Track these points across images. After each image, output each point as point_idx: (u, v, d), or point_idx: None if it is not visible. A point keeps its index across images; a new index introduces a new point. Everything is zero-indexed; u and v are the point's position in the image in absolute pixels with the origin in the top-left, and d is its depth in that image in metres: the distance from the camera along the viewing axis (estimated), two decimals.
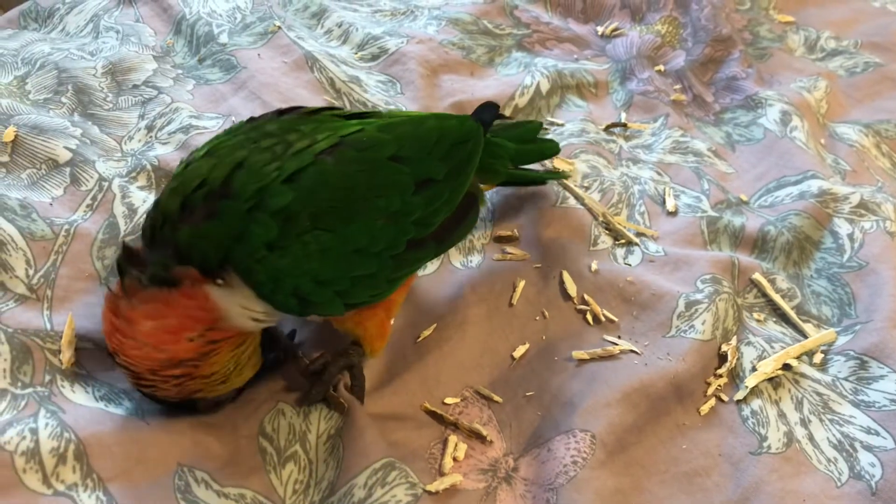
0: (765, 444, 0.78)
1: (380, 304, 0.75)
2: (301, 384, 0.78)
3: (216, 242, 0.65)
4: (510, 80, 1.12)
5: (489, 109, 0.86)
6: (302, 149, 0.68)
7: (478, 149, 0.80)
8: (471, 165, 0.79)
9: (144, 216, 0.69)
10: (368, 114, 0.78)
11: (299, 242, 0.66)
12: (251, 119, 0.75)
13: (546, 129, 1.08)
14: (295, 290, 0.67)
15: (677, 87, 1.21)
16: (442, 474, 0.73)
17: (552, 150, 0.97)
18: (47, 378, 0.72)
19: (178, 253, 0.65)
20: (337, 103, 1.04)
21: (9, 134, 0.87)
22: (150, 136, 0.95)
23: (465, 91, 1.09)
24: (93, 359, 0.75)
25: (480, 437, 0.76)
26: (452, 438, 0.76)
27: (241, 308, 0.67)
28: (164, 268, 0.65)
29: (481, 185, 0.85)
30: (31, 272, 0.78)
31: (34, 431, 0.67)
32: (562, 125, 1.09)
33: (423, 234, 0.74)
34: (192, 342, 0.66)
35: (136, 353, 0.66)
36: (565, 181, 0.98)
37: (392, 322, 0.79)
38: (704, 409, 0.80)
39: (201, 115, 0.98)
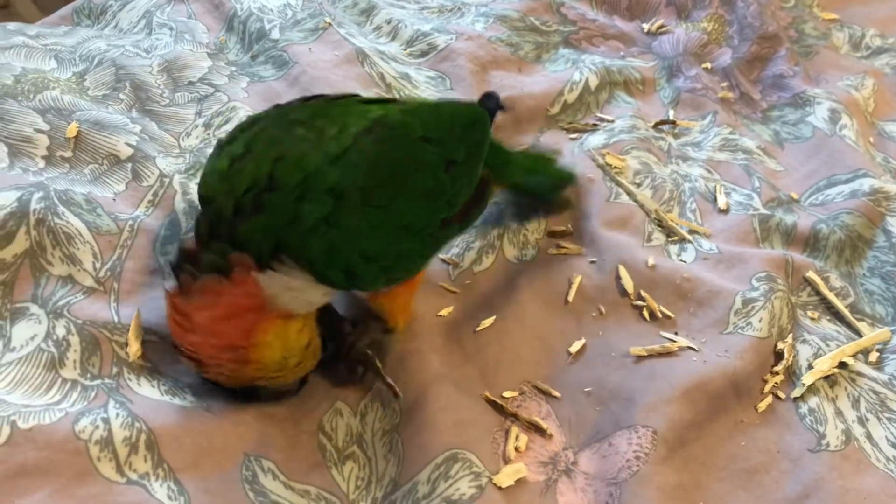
0: (823, 442, 0.78)
1: (409, 281, 0.77)
2: (358, 382, 0.79)
3: (267, 232, 0.67)
4: (558, 77, 1.13)
5: (490, 98, 0.88)
6: (337, 132, 0.70)
7: (486, 133, 0.83)
8: (483, 149, 0.81)
9: (196, 218, 0.71)
10: (386, 100, 0.80)
11: (352, 218, 0.68)
12: (277, 106, 0.77)
13: (596, 125, 1.09)
14: (346, 265, 0.69)
15: (724, 84, 1.21)
16: (507, 461, 0.74)
17: (567, 178, 0.97)
18: (115, 370, 0.73)
19: (234, 246, 0.67)
20: (388, 97, 1.05)
21: (72, 130, 0.89)
22: (208, 134, 0.96)
23: (514, 87, 1.09)
24: (158, 352, 0.76)
25: (540, 430, 0.77)
26: (514, 429, 0.76)
27: (288, 290, 0.69)
28: (221, 255, 0.67)
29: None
30: (98, 265, 0.79)
31: (106, 421, 0.68)
32: (612, 121, 1.09)
33: (450, 213, 0.77)
34: (241, 327, 0.68)
35: (195, 342, 0.69)
36: (618, 177, 0.98)
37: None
38: (762, 406, 0.80)
39: None
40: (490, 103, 0.87)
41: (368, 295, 0.78)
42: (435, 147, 0.74)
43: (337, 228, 0.67)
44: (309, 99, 0.78)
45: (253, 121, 0.76)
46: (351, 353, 0.78)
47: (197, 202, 0.86)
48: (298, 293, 0.69)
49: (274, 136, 0.71)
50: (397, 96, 1.05)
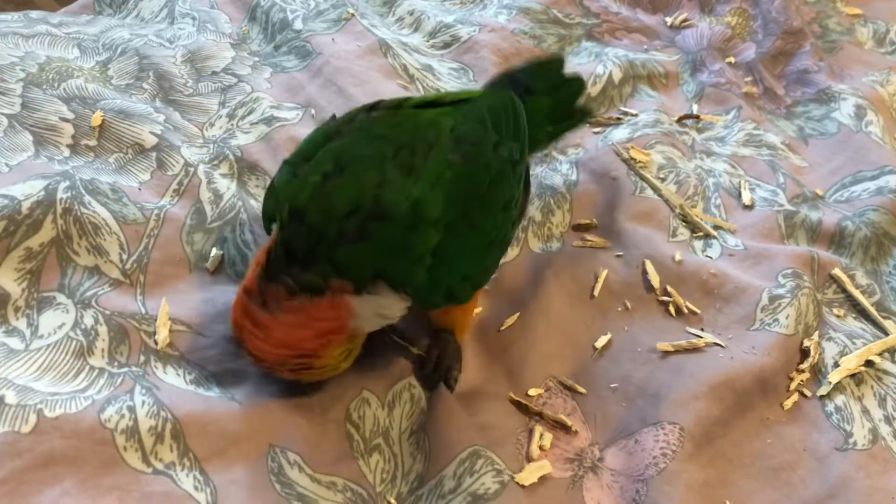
0: (850, 441, 0.77)
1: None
2: (384, 371, 0.79)
3: (372, 260, 0.67)
4: (582, 70, 1.12)
5: (516, 75, 0.89)
6: (426, 149, 0.70)
7: (524, 119, 0.82)
8: (526, 136, 0.81)
9: (286, 228, 0.68)
10: (434, 102, 0.79)
11: (455, 245, 0.69)
12: (349, 119, 0.76)
13: (620, 119, 1.08)
14: (448, 288, 0.71)
15: (748, 79, 1.20)
16: (530, 460, 0.74)
17: (580, 86, 0.94)
18: (142, 359, 0.73)
19: (334, 269, 0.67)
20: (410, 88, 1.05)
21: (96, 118, 0.88)
22: (232, 125, 0.95)
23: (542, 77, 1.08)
24: (186, 341, 0.76)
25: (565, 428, 0.77)
26: (538, 428, 0.76)
27: (377, 314, 0.70)
28: (322, 277, 0.66)
29: None
30: (124, 257, 0.79)
31: (132, 409, 0.68)
32: (636, 115, 1.08)
33: (515, 216, 0.77)
34: (319, 343, 0.69)
35: (264, 349, 0.69)
36: (643, 171, 0.98)
37: None
38: (788, 404, 0.80)
39: (280, 105, 0.99)
40: (519, 89, 0.86)
41: (438, 311, 0.78)
42: (504, 150, 0.75)
43: (443, 256, 0.69)
44: (371, 109, 0.77)
45: (326, 135, 0.75)
46: (440, 366, 0.79)
47: (222, 192, 0.87)
48: (385, 314, 0.70)
49: (363, 154, 0.70)
50: (420, 88, 1.05)
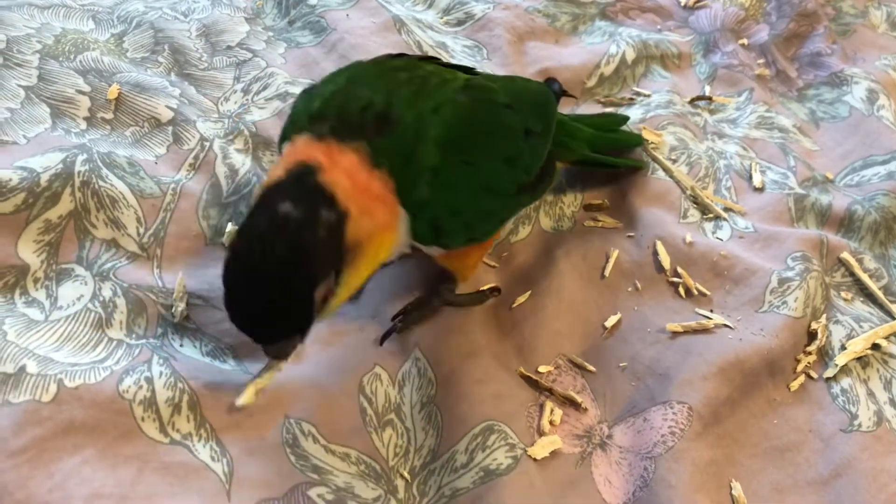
0: (855, 423, 0.78)
1: (483, 244, 0.79)
2: (394, 349, 0.79)
3: (389, 159, 0.66)
4: (595, 49, 1.12)
5: (554, 82, 0.92)
6: (438, 84, 0.72)
7: (555, 111, 0.85)
8: (552, 125, 0.82)
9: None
10: (464, 68, 0.81)
11: (449, 171, 0.69)
12: (366, 61, 0.77)
13: (633, 99, 1.08)
14: (434, 218, 0.70)
15: (761, 61, 1.19)
16: (541, 434, 0.75)
17: (635, 141, 0.99)
18: (160, 331, 0.74)
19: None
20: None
21: (113, 91, 0.89)
22: (247, 100, 0.96)
23: (551, 58, 1.09)
24: (202, 314, 0.77)
25: (575, 405, 0.78)
26: (549, 404, 0.77)
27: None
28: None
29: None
30: (141, 230, 0.79)
31: (150, 381, 0.69)
32: (648, 95, 1.08)
33: (525, 181, 0.78)
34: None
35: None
36: (654, 152, 0.98)
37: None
38: (794, 385, 0.81)
39: (295, 80, 0.99)
40: (554, 86, 0.90)
41: (441, 256, 0.77)
42: (517, 115, 0.76)
43: (436, 182, 0.68)
44: (394, 57, 0.79)
45: (349, 66, 0.76)
46: (406, 319, 0.79)
47: (238, 166, 0.87)
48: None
49: (377, 72, 0.72)
50: None
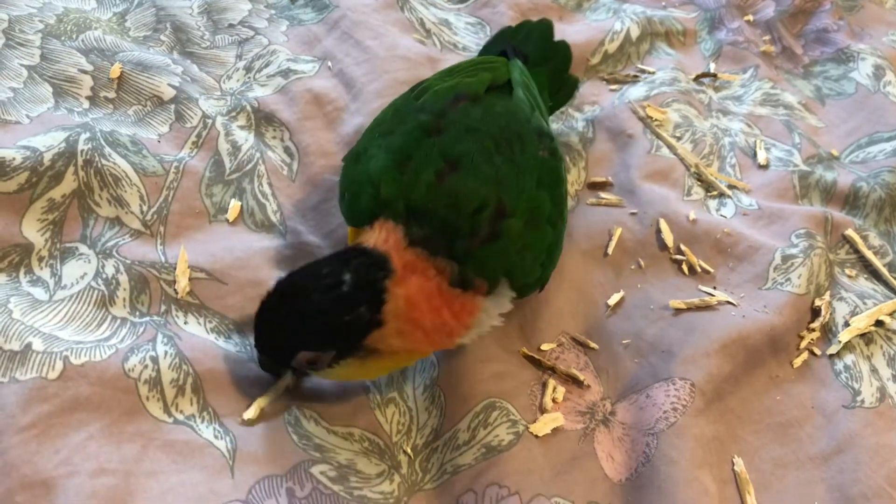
0: (858, 399, 0.79)
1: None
2: None
3: (502, 258, 0.68)
4: (599, 26, 1.11)
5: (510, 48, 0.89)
6: (520, 146, 0.72)
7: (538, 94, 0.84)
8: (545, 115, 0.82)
9: (412, 226, 0.67)
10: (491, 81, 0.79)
11: (557, 239, 0.75)
12: (439, 113, 0.73)
13: (637, 76, 1.08)
14: (545, 280, 0.77)
15: (766, 38, 1.19)
16: (543, 412, 0.75)
17: (568, 54, 0.96)
18: (163, 308, 0.74)
19: (473, 268, 0.67)
20: (426, 42, 1.04)
21: (115, 70, 0.89)
22: (249, 77, 0.96)
23: (555, 35, 1.08)
24: (206, 289, 0.77)
25: (577, 382, 0.78)
26: (551, 382, 0.77)
27: (497, 314, 0.72)
28: (475, 273, 0.67)
29: None
30: (144, 208, 0.80)
31: (154, 360, 0.69)
32: (653, 73, 1.08)
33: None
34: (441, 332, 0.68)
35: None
36: (660, 131, 0.98)
37: None
38: (797, 362, 0.81)
39: (297, 58, 0.99)
40: (508, 52, 0.88)
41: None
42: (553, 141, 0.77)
43: (554, 253, 0.74)
44: (419, 93, 0.77)
45: (423, 129, 0.71)
46: None
47: (240, 143, 0.87)
48: (502, 314, 0.72)
49: (470, 150, 0.69)
50: (437, 43, 1.05)
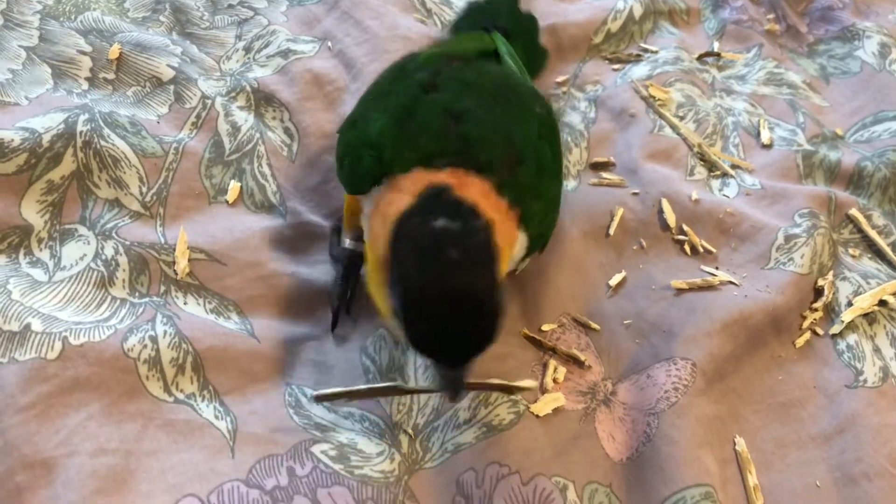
0: (860, 378, 0.78)
1: None
2: None
3: (520, 197, 0.65)
4: (602, 5, 1.11)
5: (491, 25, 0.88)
6: (518, 102, 0.72)
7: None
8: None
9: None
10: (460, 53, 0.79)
11: (553, 193, 0.74)
12: (435, 71, 0.72)
13: (640, 55, 1.07)
14: (548, 236, 0.76)
15: (770, 16, 1.18)
16: (544, 392, 0.75)
17: (535, 25, 0.96)
18: (163, 289, 0.74)
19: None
20: (427, 22, 1.04)
21: (114, 51, 0.88)
22: (248, 58, 0.95)
23: (557, 14, 1.07)
24: (205, 270, 0.77)
25: (578, 362, 0.78)
26: (552, 362, 0.77)
27: (516, 258, 0.70)
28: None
29: None
30: (144, 189, 0.79)
31: (154, 340, 0.69)
32: (656, 52, 1.07)
33: None
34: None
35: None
36: (662, 110, 0.97)
37: None
38: (800, 342, 0.81)
39: (297, 38, 0.98)
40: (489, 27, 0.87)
41: None
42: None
43: (555, 212, 0.74)
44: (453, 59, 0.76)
45: (421, 86, 0.70)
46: None
47: (240, 124, 0.86)
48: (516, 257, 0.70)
49: (471, 105, 0.68)
50: (438, 22, 1.04)
